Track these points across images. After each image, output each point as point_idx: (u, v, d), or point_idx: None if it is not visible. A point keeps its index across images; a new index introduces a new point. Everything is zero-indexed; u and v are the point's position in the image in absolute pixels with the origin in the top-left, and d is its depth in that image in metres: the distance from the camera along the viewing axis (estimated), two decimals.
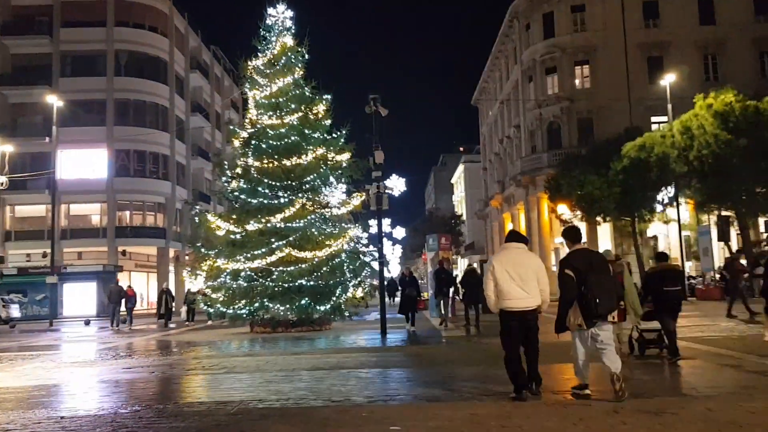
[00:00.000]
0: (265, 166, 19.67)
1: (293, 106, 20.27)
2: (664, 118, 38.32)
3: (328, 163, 20.26)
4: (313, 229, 19.54)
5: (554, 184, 39.88)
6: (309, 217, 19.29)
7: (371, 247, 22.95)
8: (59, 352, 16.58)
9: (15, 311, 37.98)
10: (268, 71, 20.70)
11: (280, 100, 20.33)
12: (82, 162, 47.03)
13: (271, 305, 19.33)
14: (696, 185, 28.82)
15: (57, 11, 48.02)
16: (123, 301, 27.24)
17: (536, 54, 47.92)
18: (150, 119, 49.38)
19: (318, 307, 19.19)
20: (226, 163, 20.91)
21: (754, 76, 42.51)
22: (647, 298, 10.48)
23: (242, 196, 19.98)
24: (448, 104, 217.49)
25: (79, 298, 42.28)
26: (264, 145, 19.84)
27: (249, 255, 19.07)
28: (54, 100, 34.34)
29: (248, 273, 19.48)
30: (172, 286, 41.97)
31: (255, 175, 19.77)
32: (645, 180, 30.27)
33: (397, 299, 22.80)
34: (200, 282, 20.56)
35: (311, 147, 19.88)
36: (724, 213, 31.60)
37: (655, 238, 39.43)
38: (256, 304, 19.41)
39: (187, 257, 20.93)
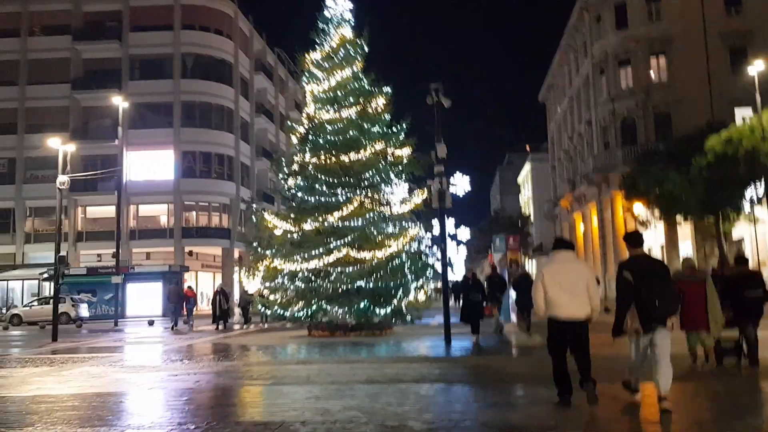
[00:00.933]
0: (323, 162, 18.84)
1: (352, 99, 19.38)
2: (749, 110, 35.76)
3: (388, 158, 19.27)
4: (372, 228, 18.58)
5: (630, 181, 37.69)
6: (368, 216, 18.33)
7: (434, 248, 21.73)
8: (111, 355, 16.14)
9: (84, 310, 38.64)
10: (326, 64, 19.90)
11: (339, 93, 19.48)
12: (150, 163, 47.71)
13: (329, 308, 18.49)
14: None
15: (126, 16, 48.93)
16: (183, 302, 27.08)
17: (608, 46, 45.67)
18: (215, 121, 49.72)
19: (378, 311, 18.21)
20: (283, 160, 20.20)
21: None
22: (726, 304, 10.01)
23: (299, 194, 19.22)
24: (512, 102, 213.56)
25: (145, 298, 42.71)
26: (321, 141, 19.03)
27: (306, 255, 18.27)
28: (120, 102, 34.58)
29: (306, 274, 18.69)
30: (236, 287, 41.96)
31: (312, 172, 18.98)
32: (731, 176, 27.99)
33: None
34: (257, 283, 19.88)
35: (370, 142, 18.95)
36: None
37: (740, 241, 36.68)
38: (314, 307, 18.59)
39: (251, 257, 20.25)
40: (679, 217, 36.59)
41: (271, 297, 19.69)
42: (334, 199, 18.62)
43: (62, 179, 22.27)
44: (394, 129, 19.77)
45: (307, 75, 20.07)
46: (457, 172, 26.55)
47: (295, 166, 19.42)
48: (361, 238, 18.43)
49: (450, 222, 52.93)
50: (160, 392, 9.68)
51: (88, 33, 48.10)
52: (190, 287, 29.34)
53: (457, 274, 53.65)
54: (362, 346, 15.48)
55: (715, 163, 28.38)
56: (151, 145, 47.55)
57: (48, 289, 42.64)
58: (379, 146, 19.08)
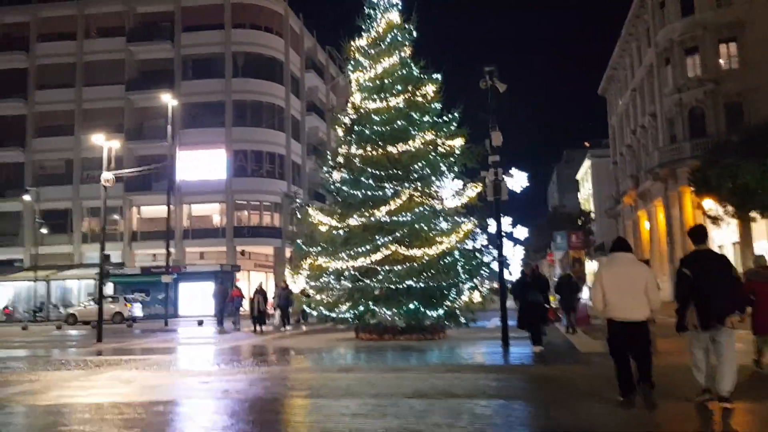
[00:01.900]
0: (369, 154, 17.70)
1: (399, 87, 18.18)
2: None
3: (439, 149, 17.99)
4: (423, 224, 17.32)
5: (701, 176, 35.34)
6: (417, 210, 17.06)
7: (489, 246, 20.14)
8: (148, 358, 15.37)
9: (138, 310, 38.70)
10: (372, 51, 18.78)
11: (386, 81, 18.31)
12: (203, 163, 47.62)
13: (377, 309, 17.37)
14: None
15: (177, 16, 49.01)
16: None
17: (674, 33, 43.15)
18: (266, 119, 49.31)
19: (429, 312, 16.98)
20: (328, 153, 19.16)
21: None
22: None
23: (344, 188, 18.13)
24: (570, 96, 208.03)
25: (198, 297, 42.51)
26: (368, 131, 17.90)
27: (352, 253, 17.19)
28: (170, 100, 34.28)
29: (352, 273, 17.60)
30: (272, 286, 41.19)
31: (358, 164, 17.86)
32: None
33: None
34: (302, 281, 18.88)
35: (419, 132, 17.72)
36: None
37: None
38: (361, 308, 17.51)
39: (295, 255, 19.26)
40: (754, 213, 34.15)
41: (317, 297, 18.70)
42: (381, 193, 17.47)
43: (107, 176, 21.85)
44: (445, 118, 18.50)
45: (353, 63, 18.97)
46: (513, 168, 24.86)
47: (340, 159, 18.35)
48: (411, 235, 17.24)
49: (506, 221, 50.99)
50: (181, 405, 8.71)
51: (142, 34, 48.42)
52: (236, 287, 28.56)
53: (513, 275, 51.76)
54: (412, 352, 14.29)
55: None
56: (204, 144, 47.46)
57: (104, 288, 42.95)
58: (429, 136, 17.85)
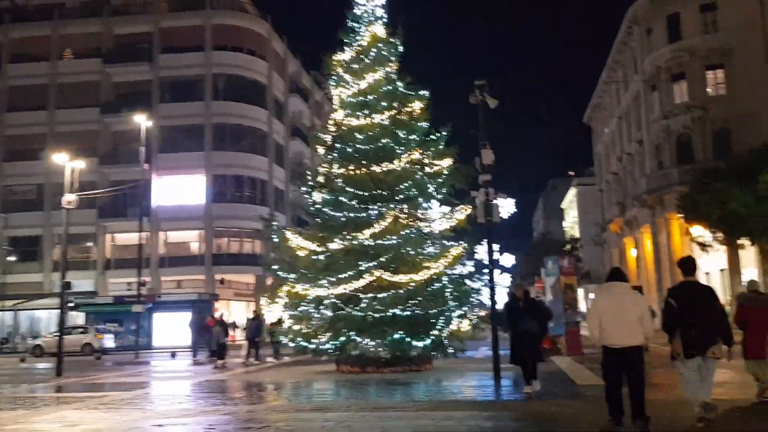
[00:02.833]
0: (351, 173, 16.57)
1: (384, 104, 17.15)
2: None
3: (426, 169, 16.92)
4: (409, 248, 16.18)
5: (690, 202, 34.64)
6: (403, 233, 15.90)
7: (476, 277, 18.76)
8: (106, 395, 13.95)
9: (109, 341, 36.95)
10: (355, 66, 17.76)
11: (370, 98, 17.27)
12: (181, 188, 46.28)
13: (359, 339, 16.11)
14: None
15: (156, 38, 47.97)
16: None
17: (660, 60, 42.84)
18: (248, 144, 48.15)
19: (415, 343, 15.75)
20: (308, 172, 18.01)
21: None
22: None
23: (325, 209, 16.95)
24: (555, 127, 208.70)
25: (173, 328, 40.76)
26: (350, 149, 16.81)
27: (333, 279, 15.96)
28: (143, 121, 33.17)
29: (333, 300, 16.34)
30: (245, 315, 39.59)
31: (339, 184, 16.71)
32: None
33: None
34: (278, 310, 17.55)
35: (405, 151, 16.68)
36: None
37: None
38: (342, 338, 16.23)
39: (272, 282, 17.90)
40: (743, 240, 33.43)
41: (295, 327, 17.40)
42: (364, 215, 16.32)
43: (69, 197, 20.51)
44: (433, 137, 17.48)
45: (335, 78, 17.94)
46: (500, 193, 23.82)
47: (321, 178, 17.21)
48: (396, 260, 16.07)
49: (494, 247, 49.98)
50: None
51: (119, 55, 47.17)
52: (212, 317, 26.97)
53: (499, 303, 50.46)
54: (396, 386, 13.04)
55: None
56: (182, 169, 46.11)
57: (74, 318, 41.17)
58: (415, 155, 16.82)
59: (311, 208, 17.62)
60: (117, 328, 39.63)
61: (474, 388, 12.80)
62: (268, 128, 49.79)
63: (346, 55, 17.94)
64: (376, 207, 16.27)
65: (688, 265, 7.70)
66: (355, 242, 15.97)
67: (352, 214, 16.41)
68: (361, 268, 15.74)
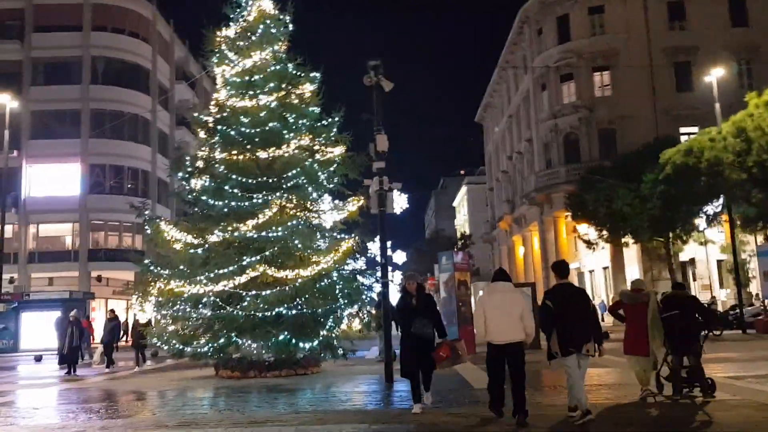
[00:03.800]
0: (235, 158, 15.14)
1: (272, 85, 15.81)
2: (695, 129, 34.22)
3: (316, 156, 15.76)
4: (296, 241, 14.97)
5: (577, 200, 35.44)
6: (290, 224, 14.65)
7: (369, 273, 17.73)
8: None
9: None
10: (241, 43, 16.34)
11: (256, 77, 15.89)
12: (54, 177, 42.64)
13: (240, 341, 14.77)
14: (758, 195, 24.31)
15: (29, 15, 43.98)
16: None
17: (550, 60, 43.82)
18: (129, 132, 45.02)
19: (302, 344, 14.60)
20: (187, 157, 16.38)
21: None
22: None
23: (204, 197, 15.43)
24: (446, 126, 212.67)
25: (43, 329, 37.33)
26: (233, 133, 15.37)
27: (212, 275, 14.50)
28: (8, 102, 29.96)
29: (212, 299, 14.88)
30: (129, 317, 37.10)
31: (221, 171, 15.24)
32: (692, 190, 25.79)
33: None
34: (150, 310, 15.85)
35: (295, 135, 15.45)
36: None
37: (692, 261, 34.72)
38: (222, 340, 14.83)
39: (144, 279, 16.00)
40: (626, 238, 34.56)
41: (170, 328, 15.78)
42: (248, 204, 14.94)
43: None
44: (325, 122, 16.34)
45: (218, 55, 16.43)
46: (394, 183, 22.98)
47: (200, 163, 15.66)
48: (283, 254, 14.83)
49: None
50: None
51: None
52: (86, 317, 24.37)
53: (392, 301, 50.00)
54: (279, 394, 11.80)
55: (674, 176, 26.11)
56: (56, 156, 42.53)
57: None
58: (305, 141, 15.63)
59: (189, 197, 16.05)
60: None
61: (364, 395, 11.77)
62: (151, 116, 46.83)
63: (231, 31, 16.49)
64: (260, 196, 14.93)
65: (562, 268, 8.13)
66: (237, 234, 14.57)
67: (234, 203, 15.00)
68: (243, 262, 14.40)
